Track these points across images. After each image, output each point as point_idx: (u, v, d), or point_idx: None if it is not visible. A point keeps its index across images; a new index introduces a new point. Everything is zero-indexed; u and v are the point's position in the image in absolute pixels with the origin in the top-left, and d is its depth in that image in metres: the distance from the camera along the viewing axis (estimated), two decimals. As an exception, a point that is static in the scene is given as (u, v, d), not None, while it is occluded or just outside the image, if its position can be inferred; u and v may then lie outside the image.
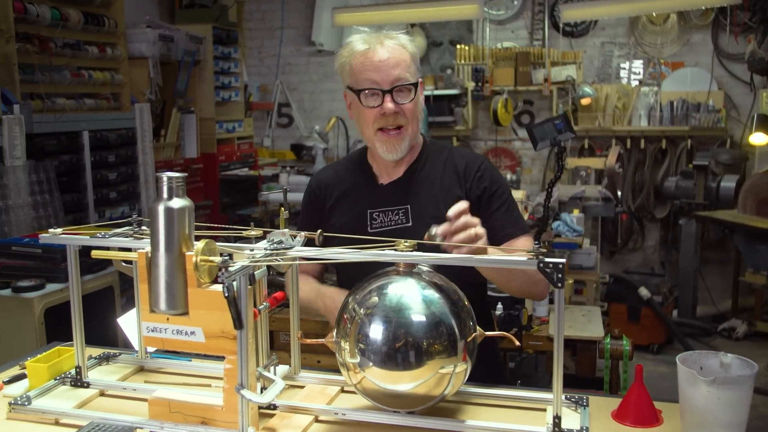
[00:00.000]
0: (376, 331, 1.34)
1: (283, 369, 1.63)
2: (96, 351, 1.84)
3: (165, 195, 1.35)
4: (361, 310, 1.38)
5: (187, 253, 1.33)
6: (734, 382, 1.32)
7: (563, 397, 1.49)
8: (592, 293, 4.10)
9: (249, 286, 1.34)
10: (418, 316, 1.35)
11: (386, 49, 1.75)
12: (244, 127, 6.22)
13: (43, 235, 1.58)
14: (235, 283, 1.29)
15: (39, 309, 3.07)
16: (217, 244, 1.46)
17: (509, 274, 1.68)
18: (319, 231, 1.48)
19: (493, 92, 6.05)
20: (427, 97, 6.07)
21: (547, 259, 1.28)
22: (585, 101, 5.51)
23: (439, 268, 1.46)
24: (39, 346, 3.11)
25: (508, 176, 5.26)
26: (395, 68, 1.74)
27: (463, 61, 6.22)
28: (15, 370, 1.76)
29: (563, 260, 1.28)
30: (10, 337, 3.01)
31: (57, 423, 1.46)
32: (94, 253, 1.47)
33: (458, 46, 6.24)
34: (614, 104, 5.88)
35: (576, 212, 3.99)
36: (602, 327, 2.50)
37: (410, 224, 1.81)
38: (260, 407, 1.47)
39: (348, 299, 1.44)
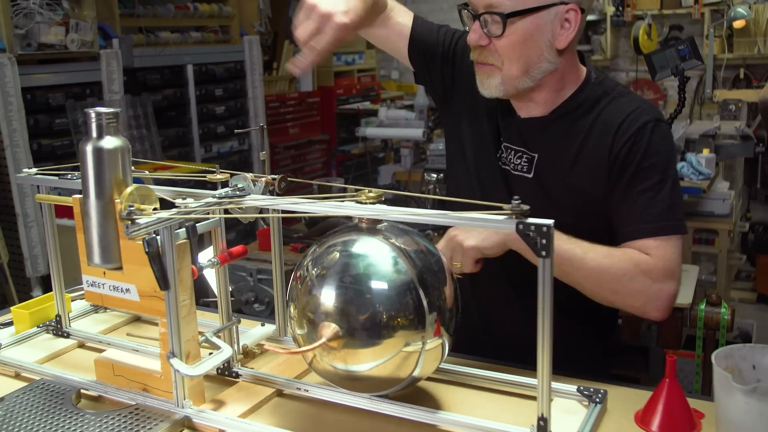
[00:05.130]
0: (326, 298, 1.11)
1: (268, 329, 1.45)
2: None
3: (94, 134, 1.18)
4: (313, 270, 1.15)
5: (116, 201, 1.17)
6: (786, 392, 0.98)
7: (575, 388, 1.22)
8: (726, 243, 3.59)
9: (185, 240, 1.16)
10: (376, 282, 1.10)
11: None
12: (366, 59, 6.01)
13: (19, 175, 1.48)
14: (159, 237, 1.11)
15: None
16: (177, 190, 1.29)
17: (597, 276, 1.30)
18: (281, 175, 1.26)
19: (635, 17, 5.43)
20: (560, 24, 5.56)
21: (528, 221, 0.99)
22: (738, 24, 4.78)
23: None
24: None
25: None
26: None
27: (602, -17, 5.63)
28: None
29: (550, 222, 0.98)
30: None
31: (17, 376, 1.38)
32: (37, 197, 1.34)
33: (598, -34, 5.64)
34: (779, 27, 5.08)
35: (706, 152, 3.46)
36: (693, 291, 2.08)
37: (531, 176, 1.44)
38: (224, 374, 1.31)
39: (307, 252, 1.21)
